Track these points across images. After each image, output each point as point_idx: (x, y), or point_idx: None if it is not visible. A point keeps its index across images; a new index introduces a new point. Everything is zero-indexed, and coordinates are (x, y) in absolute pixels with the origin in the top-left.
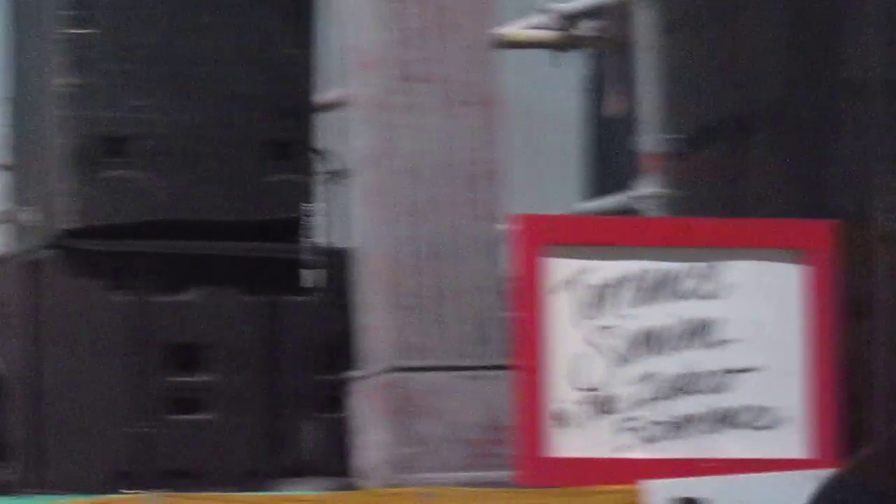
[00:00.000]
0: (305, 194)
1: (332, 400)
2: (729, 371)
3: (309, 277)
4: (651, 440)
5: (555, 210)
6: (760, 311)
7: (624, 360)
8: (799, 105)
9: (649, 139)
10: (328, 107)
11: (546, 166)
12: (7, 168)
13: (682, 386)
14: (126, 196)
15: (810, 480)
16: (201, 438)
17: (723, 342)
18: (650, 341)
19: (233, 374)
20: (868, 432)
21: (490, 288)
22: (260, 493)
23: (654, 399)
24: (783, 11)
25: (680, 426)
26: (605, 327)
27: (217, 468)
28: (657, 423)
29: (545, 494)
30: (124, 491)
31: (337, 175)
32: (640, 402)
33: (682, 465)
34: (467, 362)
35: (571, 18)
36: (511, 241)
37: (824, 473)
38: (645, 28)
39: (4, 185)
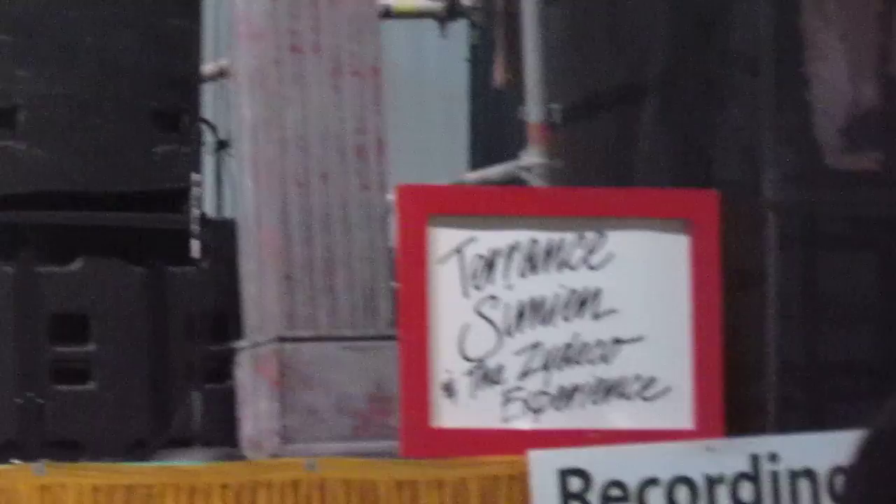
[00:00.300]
0: (192, 165)
1: (219, 370)
2: (616, 341)
3: (196, 248)
4: (538, 411)
5: (442, 181)
6: (648, 282)
7: (511, 330)
8: (686, 75)
9: (535, 109)
10: (215, 77)
11: (433, 137)
12: None
13: (570, 356)
14: (11, 167)
15: (697, 451)
16: (88, 408)
17: (610, 312)
18: (538, 311)
19: (120, 345)
20: (756, 403)
21: (379, 259)
22: (146, 464)
23: (542, 369)
24: None
25: (567, 397)
26: (492, 297)
27: (104, 438)
28: (545, 393)
29: (431, 465)
30: (13, 461)
31: (224, 146)
32: (528, 373)
33: (570, 436)
34: (355, 333)
35: None
36: (398, 211)
37: (711, 444)
38: None
39: None
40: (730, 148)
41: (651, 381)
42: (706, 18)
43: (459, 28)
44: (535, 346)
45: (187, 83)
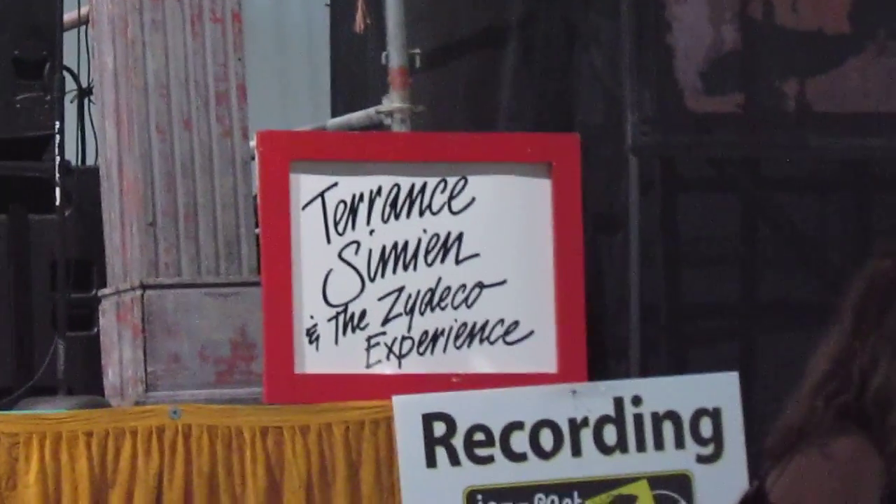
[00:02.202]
0: (53, 112)
1: (83, 318)
2: (479, 285)
3: (59, 196)
4: (402, 356)
5: (305, 127)
6: (510, 226)
7: (374, 275)
8: (547, 19)
9: (396, 55)
10: (74, 24)
11: (295, 83)
12: None
13: (433, 301)
14: None
15: (561, 394)
16: None
17: (473, 256)
18: (400, 257)
19: None
20: (619, 347)
21: (241, 205)
22: (10, 412)
23: (405, 314)
24: None
25: (431, 341)
26: (355, 243)
27: None
28: (408, 338)
29: (295, 411)
30: None
31: (86, 94)
32: (391, 318)
33: (434, 380)
34: (218, 280)
35: None
36: (259, 157)
37: (574, 387)
38: None
39: None
40: (591, 92)
41: (514, 325)
42: None
43: None
44: (398, 291)
45: (48, 31)
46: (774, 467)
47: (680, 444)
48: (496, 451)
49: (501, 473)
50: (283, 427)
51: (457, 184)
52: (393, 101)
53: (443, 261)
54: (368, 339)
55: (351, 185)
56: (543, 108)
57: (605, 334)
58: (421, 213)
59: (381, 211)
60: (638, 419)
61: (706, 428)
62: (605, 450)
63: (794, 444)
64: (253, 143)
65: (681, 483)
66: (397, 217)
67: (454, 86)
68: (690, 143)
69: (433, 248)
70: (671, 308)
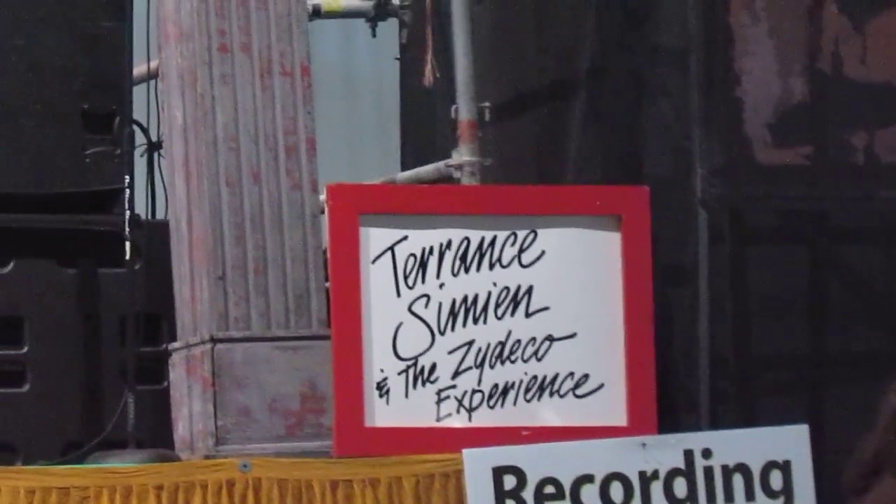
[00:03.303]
0: (123, 166)
1: (153, 372)
2: (549, 338)
3: (128, 250)
4: (472, 409)
5: (374, 180)
6: (580, 279)
7: (444, 328)
8: (614, 71)
9: (465, 108)
10: (144, 78)
11: (364, 136)
12: None
13: (503, 354)
14: None
15: (631, 447)
16: (22, 411)
17: (543, 310)
18: (470, 310)
19: (53, 347)
20: (688, 399)
21: (311, 258)
22: (81, 466)
23: (475, 367)
24: None
25: (501, 394)
26: (424, 296)
27: (38, 441)
28: (478, 391)
29: (365, 464)
30: None
31: (155, 147)
32: (461, 371)
33: (504, 434)
34: (288, 333)
35: None
36: (328, 210)
37: (644, 440)
38: None
39: None
40: (660, 144)
41: (584, 378)
42: (634, 13)
43: (389, 27)
44: (468, 344)
45: (118, 85)
46: (855, 501)
47: (750, 496)
48: None
49: None
50: (353, 480)
51: (526, 237)
52: (462, 155)
53: (513, 314)
54: (438, 392)
55: (421, 239)
56: (612, 160)
57: (674, 386)
58: (491, 267)
59: (451, 264)
60: (708, 472)
61: (776, 481)
62: (675, 503)
63: (872, 476)
64: (322, 197)
65: None
66: (467, 270)
67: (523, 138)
68: (759, 195)
69: (503, 301)
70: (740, 360)
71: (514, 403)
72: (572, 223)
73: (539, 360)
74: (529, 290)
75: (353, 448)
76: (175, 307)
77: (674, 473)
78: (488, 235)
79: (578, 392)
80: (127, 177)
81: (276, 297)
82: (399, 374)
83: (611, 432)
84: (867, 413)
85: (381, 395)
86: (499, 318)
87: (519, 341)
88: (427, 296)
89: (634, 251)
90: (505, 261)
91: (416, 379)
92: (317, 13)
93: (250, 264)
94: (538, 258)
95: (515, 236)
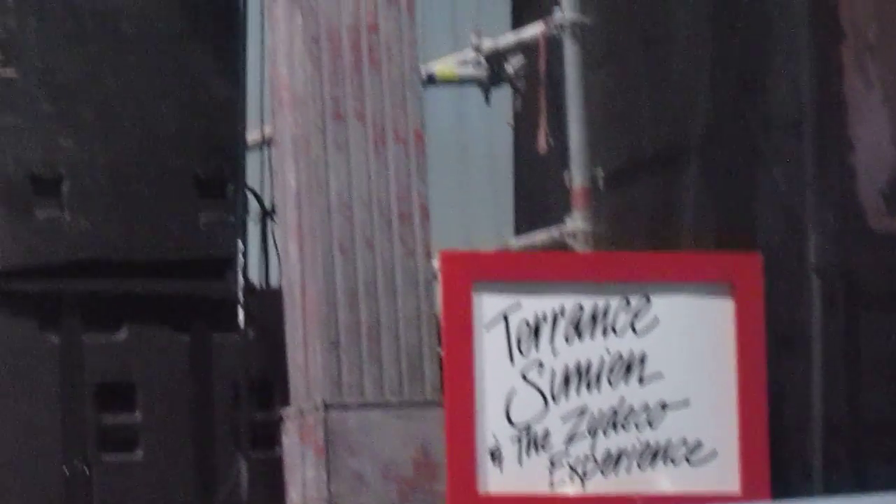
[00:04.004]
0: (237, 232)
1: (266, 438)
2: (662, 406)
3: (242, 316)
4: (585, 476)
5: (487, 246)
6: (693, 346)
7: (557, 395)
8: (727, 138)
9: (579, 174)
10: (259, 144)
11: (478, 202)
12: None
13: (616, 421)
14: (56, 235)
15: None
16: (135, 477)
17: (656, 377)
18: (583, 377)
19: (166, 413)
20: (802, 466)
21: (424, 325)
22: None
23: (588, 434)
24: (710, 44)
25: (614, 462)
26: (538, 363)
27: None
28: (591, 458)
29: None
30: None
31: (269, 213)
32: (574, 438)
33: (617, 501)
34: (401, 399)
35: (500, 54)
36: (442, 277)
37: None
38: (572, 63)
39: None
40: (772, 210)
41: (697, 445)
42: (748, 80)
43: (503, 94)
44: (582, 411)
45: (231, 150)
46: None
47: None
48: None
49: None
50: None
51: (639, 304)
52: (575, 221)
53: (626, 381)
54: (552, 459)
55: (534, 306)
56: (725, 226)
57: (787, 453)
58: (604, 334)
59: (565, 331)
60: None
61: None
62: None
63: None
64: (436, 263)
65: None
66: (580, 337)
67: (636, 204)
68: (872, 261)
69: (616, 368)
70: (854, 426)
71: (628, 471)
72: (685, 290)
73: (652, 427)
74: (643, 357)
75: None
76: (288, 373)
77: None
78: (601, 302)
79: (692, 459)
80: (240, 243)
81: (389, 363)
82: (512, 440)
83: (724, 500)
84: None
85: (494, 462)
86: (612, 386)
87: (632, 408)
88: (540, 362)
89: (747, 318)
90: (618, 328)
91: (529, 446)
92: (431, 80)
93: (364, 330)
94: (651, 325)
95: (629, 303)
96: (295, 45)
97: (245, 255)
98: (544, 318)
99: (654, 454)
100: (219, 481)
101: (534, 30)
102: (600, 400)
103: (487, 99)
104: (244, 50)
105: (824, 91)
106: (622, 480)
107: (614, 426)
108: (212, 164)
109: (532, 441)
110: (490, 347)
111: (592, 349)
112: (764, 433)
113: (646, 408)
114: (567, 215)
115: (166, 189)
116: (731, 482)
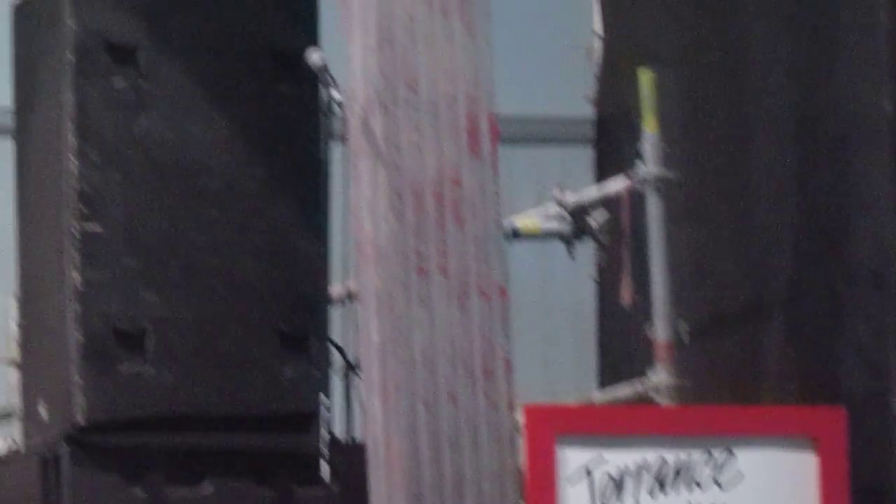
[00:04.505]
0: (320, 386)
1: None
2: None
3: (326, 470)
4: None
5: (571, 399)
6: (776, 500)
7: None
8: (810, 292)
9: (662, 328)
10: (342, 299)
11: (561, 355)
12: (18, 365)
13: None
14: (140, 390)
15: None
16: None
17: None
18: None
19: None
20: None
21: (506, 479)
22: None
23: None
24: (794, 198)
25: None
26: None
27: None
28: None
29: None
30: None
31: (352, 368)
32: None
33: None
34: None
35: (584, 208)
36: (526, 431)
37: None
38: (655, 217)
39: (13, 382)
40: (856, 363)
41: None
42: (830, 232)
43: (587, 248)
44: None
45: (314, 305)
46: None
47: None
48: None
49: None
50: None
51: (723, 458)
52: (659, 375)
53: None
54: None
55: (617, 459)
56: (808, 380)
57: None
58: (688, 488)
59: (649, 485)
60: None
61: None
62: None
63: None
64: (519, 416)
65: None
66: (664, 491)
67: (719, 358)
68: None
69: None
70: None
71: None
72: (769, 444)
73: None
74: None
75: None
76: None
77: None
78: (685, 456)
79: None
80: (324, 397)
81: None
82: None
83: None
84: None
85: None
86: None
87: None
88: None
89: (831, 473)
90: (702, 482)
91: None
92: (515, 234)
93: (448, 485)
94: (735, 479)
95: (712, 457)
96: (378, 200)
97: (329, 409)
98: (628, 472)
99: None
100: None
101: (617, 184)
102: None
103: (571, 253)
104: (328, 204)
105: None
106: None
107: None
108: (295, 319)
109: None
110: (574, 501)
111: (676, 503)
112: None
113: None
114: (650, 369)
115: (250, 343)
116: None
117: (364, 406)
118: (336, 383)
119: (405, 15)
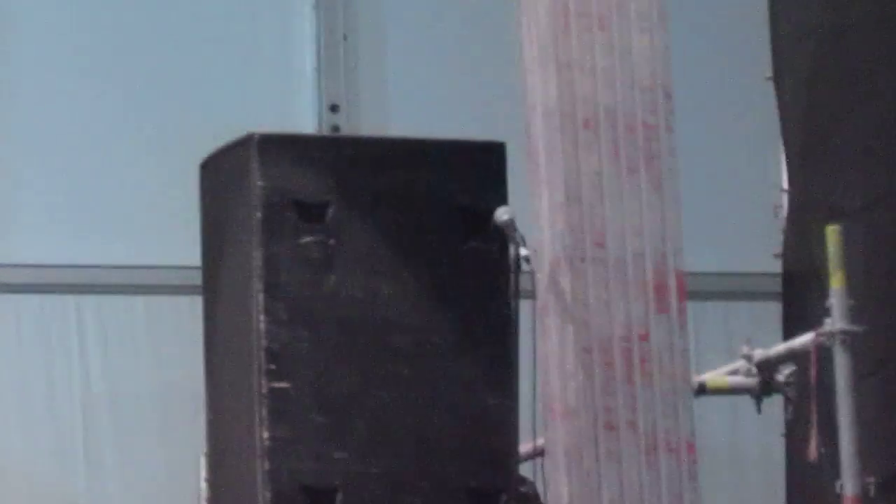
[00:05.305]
0: None
1: None
2: None
3: None
4: None
5: None
6: None
7: None
8: None
9: (851, 483)
10: (531, 456)
11: None
12: None
13: None
14: None
15: None
16: None
17: None
18: None
19: None
20: None
21: None
22: None
23: None
24: None
25: None
26: None
27: None
28: None
29: None
30: None
31: None
32: None
33: None
34: None
35: (771, 364)
36: None
37: None
38: (843, 371)
39: None
40: None
41: None
42: None
43: (775, 402)
44: None
45: (505, 462)
46: None
47: None
48: None
49: None
50: None
51: None
52: None
53: None
54: None
55: None
56: None
57: None
58: None
59: None
60: None
61: None
62: None
63: None
64: None
65: None
66: None
67: None
68: None
69: None
70: None
71: None
72: None
73: None
74: None
75: None
76: None
77: None
78: None
79: None
80: None
81: None
82: None
83: None
84: None
85: None
86: None
87: None
88: None
89: None
90: None
91: None
92: (702, 390)
93: None
94: None
95: None
96: (567, 356)
97: None
98: None
99: None
100: None
101: (805, 339)
102: None
103: (759, 407)
104: (516, 361)
105: None
106: None
107: None
108: (485, 476)
109: None
110: None
111: None
112: None
113: None
114: None
115: (440, 500)
116: None
117: None
118: None
119: (592, 172)
